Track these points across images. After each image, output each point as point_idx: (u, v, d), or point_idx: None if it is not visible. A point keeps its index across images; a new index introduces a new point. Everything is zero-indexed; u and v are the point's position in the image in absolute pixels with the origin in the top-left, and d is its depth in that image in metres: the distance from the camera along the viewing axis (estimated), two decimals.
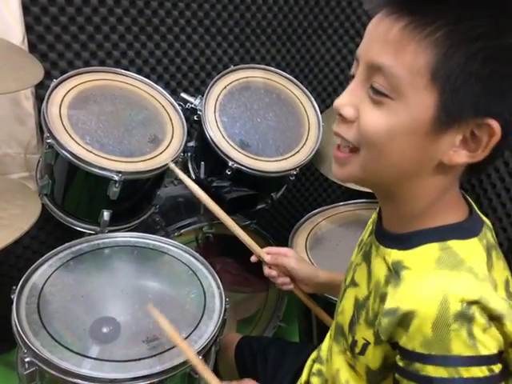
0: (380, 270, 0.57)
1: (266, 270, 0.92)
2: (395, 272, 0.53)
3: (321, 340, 0.83)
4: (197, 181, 1.26)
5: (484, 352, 0.45)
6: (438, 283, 0.48)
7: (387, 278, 0.54)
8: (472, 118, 0.46)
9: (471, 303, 0.45)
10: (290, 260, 0.90)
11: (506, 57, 0.45)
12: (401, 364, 0.50)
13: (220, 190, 1.14)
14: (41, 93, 1.23)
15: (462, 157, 0.48)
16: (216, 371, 0.99)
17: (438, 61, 0.44)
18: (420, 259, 0.52)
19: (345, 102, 0.51)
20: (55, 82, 1.05)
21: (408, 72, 0.46)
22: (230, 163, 1.15)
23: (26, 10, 1.16)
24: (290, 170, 1.22)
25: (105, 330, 0.80)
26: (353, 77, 0.52)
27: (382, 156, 0.50)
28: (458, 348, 0.45)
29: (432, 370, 0.46)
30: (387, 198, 0.57)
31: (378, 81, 0.47)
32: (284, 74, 1.38)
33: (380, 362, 0.55)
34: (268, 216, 1.81)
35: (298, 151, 1.26)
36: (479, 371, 0.45)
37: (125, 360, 0.75)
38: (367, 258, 0.62)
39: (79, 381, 0.70)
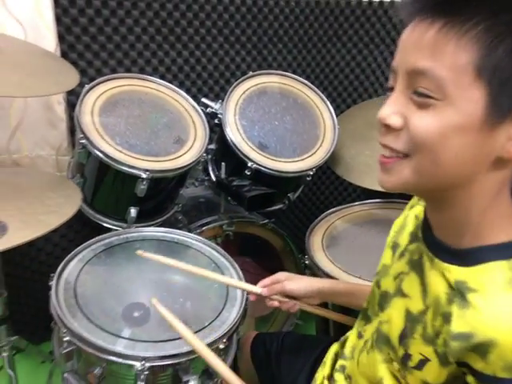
0: (439, 286, 0.55)
1: (269, 303, 0.92)
2: (459, 293, 0.51)
3: (337, 333, 0.85)
4: (218, 180, 1.33)
5: None
6: None
7: (449, 297, 0.52)
8: None
9: None
10: (283, 285, 0.89)
11: None
12: None
13: (240, 188, 1.19)
14: (71, 99, 1.32)
15: None
16: (236, 366, 1.03)
17: (481, 56, 0.44)
18: (487, 280, 0.50)
19: (390, 111, 0.50)
20: (87, 87, 1.13)
21: (451, 71, 0.45)
22: (250, 164, 1.20)
23: (58, 20, 1.24)
24: (307, 170, 1.28)
25: (136, 314, 0.86)
26: (391, 89, 0.52)
27: (438, 158, 0.48)
28: None
29: None
30: (440, 203, 0.55)
31: (422, 84, 0.47)
32: (300, 79, 1.44)
33: (444, 379, 0.55)
34: (285, 217, 1.86)
35: (314, 152, 1.31)
36: None
37: (155, 341, 0.80)
38: (418, 269, 0.60)
39: (114, 358, 0.75)
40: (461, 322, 0.50)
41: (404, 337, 0.60)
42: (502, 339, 0.46)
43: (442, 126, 0.47)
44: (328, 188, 1.93)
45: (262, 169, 1.21)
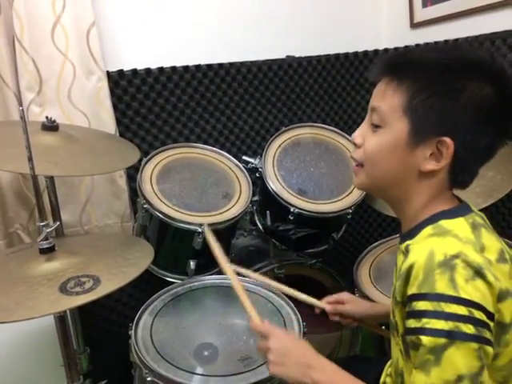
0: (400, 260, 0.72)
1: (331, 317, 1.08)
2: (406, 253, 0.69)
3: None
4: (264, 227, 1.44)
5: (464, 295, 0.57)
6: (428, 244, 0.65)
7: (403, 260, 0.69)
8: (435, 137, 0.67)
9: (453, 257, 0.60)
10: (345, 307, 1.05)
11: (449, 96, 0.66)
12: (406, 309, 0.63)
13: (286, 232, 1.30)
14: (129, 172, 1.50)
15: (430, 165, 0.68)
16: None
17: (406, 100, 0.68)
18: (419, 237, 0.70)
19: (357, 134, 0.76)
20: (144, 160, 1.30)
21: (389, 108, 0.70)
22: (292, 209, 1.31)
23: (115, 107, 1.45)
24: (346, 209, 1.37)
25: (206, 353, 0.96)
26: None
27: (377, 165, 0.72)
28: (441, 287, 0.58)
29: (422, 305, 0.60)
30: (395, 203, 0.77)
31: (374, 117, 0.72)
32: (329, 127, 1.57)
33: (402, 324, 0.67)
34: (332, 255, 1.92)
35: (350, 192, 1.41)
36: (459, 309, 0.57)
37: (226, 375, 0.89)
38: (396, 263, 0.77)
39: None
40: (403, 266, 0.65)
41: (392, 311, 0.74)
42: (417, 261, 0.62)
43: (381, 144, 0.71)
44: (368, 222, 2.00)
45: (304, 212, 1.32)
